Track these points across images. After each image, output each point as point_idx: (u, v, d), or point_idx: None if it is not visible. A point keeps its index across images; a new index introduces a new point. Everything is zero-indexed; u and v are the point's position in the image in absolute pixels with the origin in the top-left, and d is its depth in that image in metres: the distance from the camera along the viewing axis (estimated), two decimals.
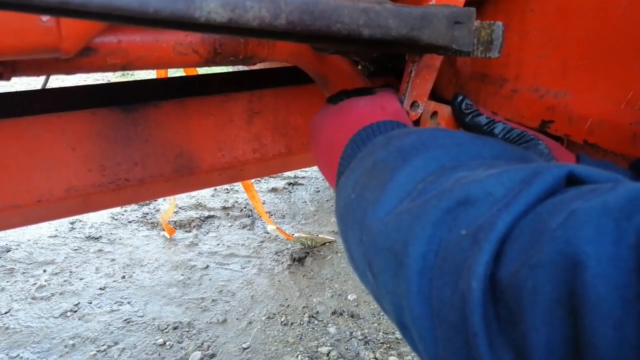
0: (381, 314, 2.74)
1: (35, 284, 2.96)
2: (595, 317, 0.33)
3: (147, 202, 3.87)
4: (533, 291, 0.36)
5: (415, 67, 0.86)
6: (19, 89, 1.07)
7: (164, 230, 3.51)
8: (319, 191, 4.19)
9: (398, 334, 2.59)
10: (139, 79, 1.19)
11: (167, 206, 3.78)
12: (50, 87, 1.14)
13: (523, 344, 0.37)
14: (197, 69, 2.82)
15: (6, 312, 2.73)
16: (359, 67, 1.71)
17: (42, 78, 1.56)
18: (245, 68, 1.92)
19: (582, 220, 0.35)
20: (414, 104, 0.89)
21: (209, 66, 0.96)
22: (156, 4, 0.50)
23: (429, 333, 0.46)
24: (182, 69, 3.37)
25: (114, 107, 1.05)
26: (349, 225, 0.62)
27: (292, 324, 2.68)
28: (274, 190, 4.22)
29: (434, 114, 0.92)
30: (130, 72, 6.59)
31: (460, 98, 0.90)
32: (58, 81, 4.58)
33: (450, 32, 0.74)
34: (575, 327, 0.34)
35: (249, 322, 2.69)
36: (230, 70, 2.05)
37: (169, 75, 2.90)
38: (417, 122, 0.91)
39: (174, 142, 1.12)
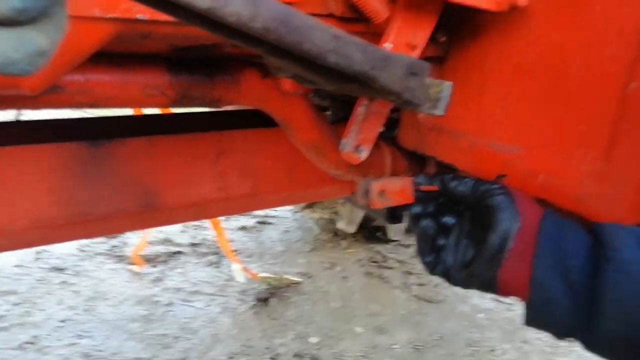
0: (342, 357, 2.74)
1: None
2: None
3: (115, 235, 3.84)
4: None
5: (365, 110, 0.88)
6: None
7: (133, 263, 3.48)
8: (288, 231, 4.20)
9: None
10: (111, 115, 1.20)
11: (136, 240, 3.75)
12: (18, 120, 1.15)
13: None
14: None
15: None
16: (328, 112, 1.75)
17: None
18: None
19: None
20: (358, 148, 0.90)
21: (176, 107, 0.98)
22: None
23: None
24: None
25: (82, 141, 1.07)
26: None
27: None
28: (243, 228, 4.21)
29: (382, 193, 0.88)
30: None
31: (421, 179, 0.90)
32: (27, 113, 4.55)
33: (406, 81, 0.77)
34: None
35: None
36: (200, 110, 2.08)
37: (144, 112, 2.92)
38: (368, 205, 0.88)
39: (140, 178, 1.14)
